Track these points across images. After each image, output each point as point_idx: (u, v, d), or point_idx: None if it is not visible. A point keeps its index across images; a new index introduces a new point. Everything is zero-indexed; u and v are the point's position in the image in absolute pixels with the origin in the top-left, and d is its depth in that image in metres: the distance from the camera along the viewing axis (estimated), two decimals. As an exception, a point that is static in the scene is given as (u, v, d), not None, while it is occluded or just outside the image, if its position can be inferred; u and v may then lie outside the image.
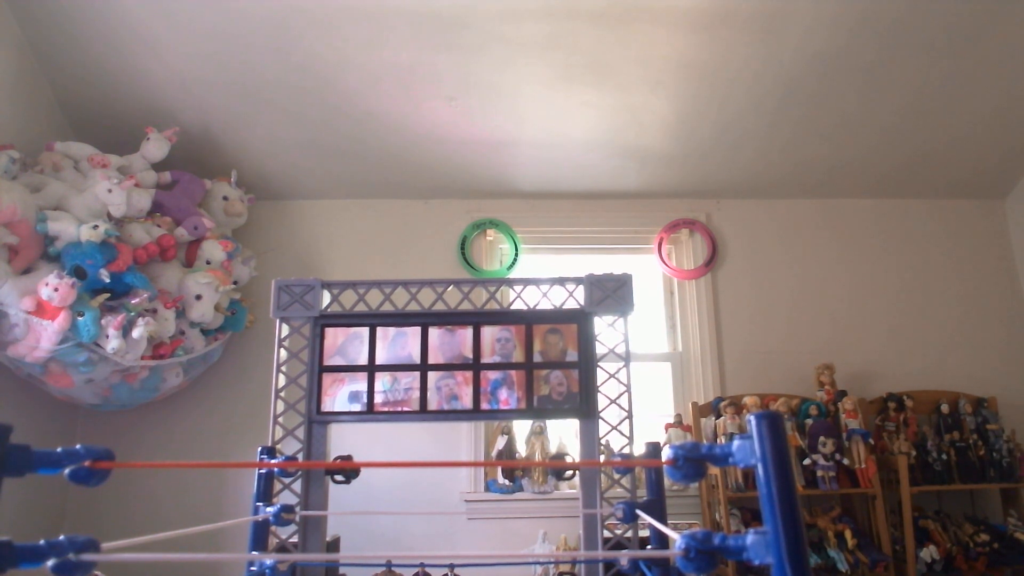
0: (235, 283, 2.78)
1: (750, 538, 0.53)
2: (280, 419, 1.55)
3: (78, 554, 0.50)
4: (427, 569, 1.71)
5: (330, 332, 1.61)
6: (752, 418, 0.55)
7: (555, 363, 1.58)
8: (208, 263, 2.63)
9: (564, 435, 2.88)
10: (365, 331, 1.61)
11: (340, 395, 1.58)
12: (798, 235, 3.27)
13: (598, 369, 1.57)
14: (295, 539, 1.52)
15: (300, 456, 1.53)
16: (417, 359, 1.59)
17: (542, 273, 3.11)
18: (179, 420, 2.91)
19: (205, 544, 2.68)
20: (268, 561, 1.27)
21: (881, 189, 3.28)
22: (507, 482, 2.86)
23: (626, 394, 1.54)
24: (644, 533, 1.46)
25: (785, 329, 3.13)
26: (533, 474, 2.82)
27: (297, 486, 1.52)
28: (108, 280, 2.19)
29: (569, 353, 1.58)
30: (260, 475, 1.42)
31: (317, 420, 1.56)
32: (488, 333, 1.61)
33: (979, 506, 2.90)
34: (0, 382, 2.40)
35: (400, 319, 1.61)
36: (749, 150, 3.01)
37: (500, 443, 2.86)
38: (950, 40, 2.49)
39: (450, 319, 1.61)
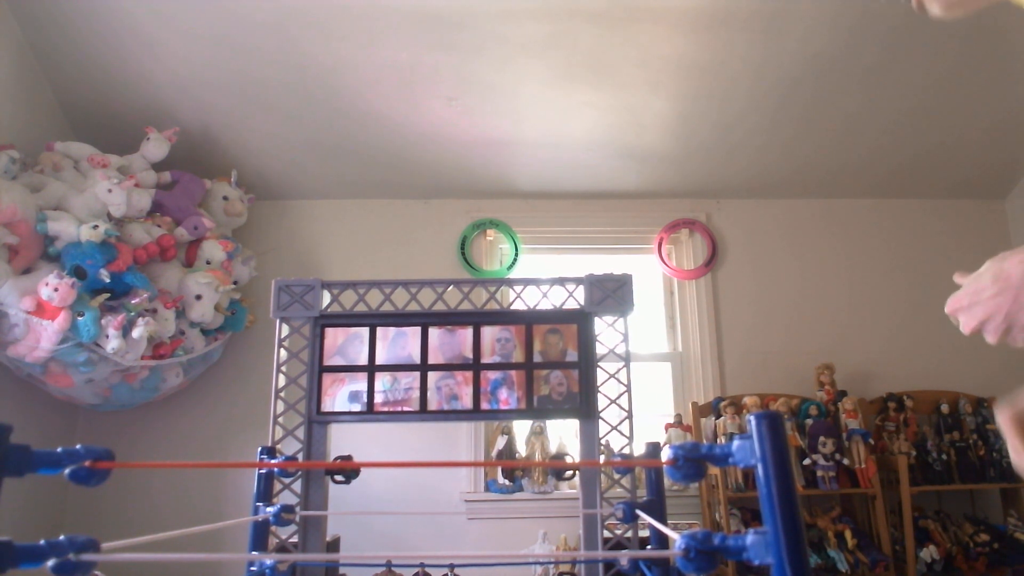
0: (235, 283, 2.78)
1: (750, 538, 0.53)
2: (280, 419, 1.55)
3: (78, 554, 0.50)
4: (427, 569, 1.71)
5: (330, 332, 1.61)
6: (752, 418, 0.55)
7: (555, 363, 1.58)
8: (208, 263, 2.63)
9: (564, 435, 2.88)
10: (365, 331, 1.61)
11: (340, 395, 1.58)
12: (798, 235, 3.27)
13: (598, 369, 1.57)
14: (295, 539, 1.52)
15: (300, 456, 1.53)
16: (417, 359, 1.59)
17: (542, 273, 3.11)
18: (179, 420, 2.91)
19: (205, 544, 2.68)
20: (268, 561, 1.27)
21: (881, 189, 3.28)
22: (507, 482, 2.86)
23: (626, 394, 1.54)
24: (644, 533, 1.46)
25: (785, 329, 3.13)
26: (533, 474, 2.82)
27: (297, 486, 1.52)
28: (108, 280, 2.19)
29: (569, 353, 1.58)
30: (260, 475, 1.42)
31: (317, 420, 1.56)
32: (488, 333, 1.61)
33: (979, 506, 2.90)
34: (0, 382, 2.40)
35: (400, 319, 1.61)
36: (749, 150, 3.01)
37: (500, 443, 2.86)
38: (950, 40, 2.49)
39: (450, 319, 1.61)
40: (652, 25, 2.39)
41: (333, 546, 1.92)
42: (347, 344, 1.61)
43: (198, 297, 2.50)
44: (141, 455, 2.84)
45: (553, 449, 2.84)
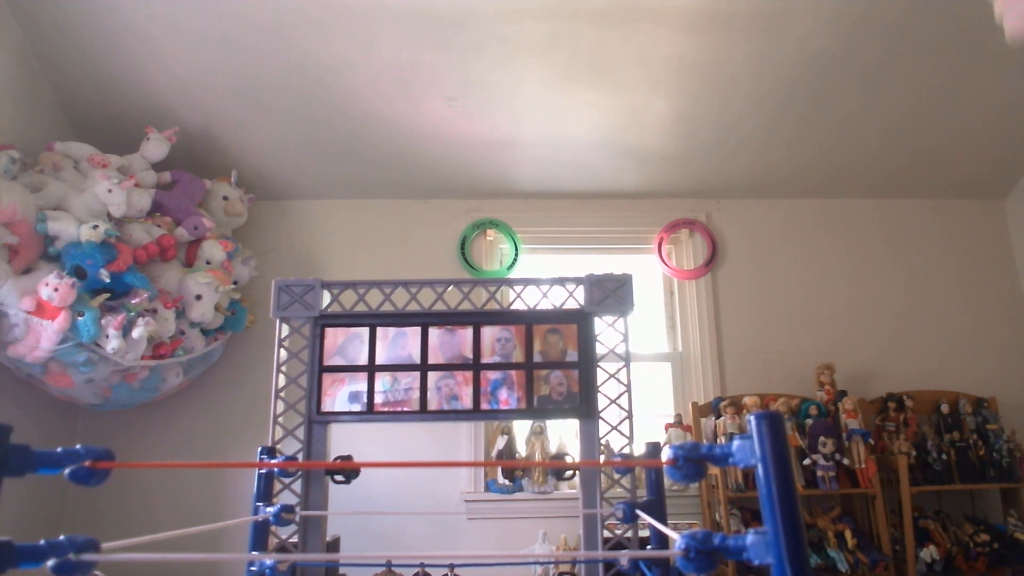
0: (235, 283, 2.78)
1: (750, 538, 0.53)
2: (280, 419, 1.55)
3: (78, 554, 0.50)
4: (427, 569, 1.71)
5: (330, 332, 1.61)
6: (752, 418, 0.55)
7: (555, 363, 1.58)
8: (208, 263, 2.63)
9: (564, 435, 2.88)
10: (365, 331, 1.61)
11: (340, 395, 1.58)
12: (798, 235, 3.27)
13: (598, 369, 1.57)
14: (295, 539, 1.52)
15: (300, 456, 1.53)
16: (417, 359, 1.59)
17: (542, 273, 3.11)
18: (179, 420, 2.91)
19: (205, 544, 2.68)
20: (268, 561, 1.27)
21: (881, 189, 3.28)
22: (507, 482, 2.86)
23: (626, 394, 1.54)
24: (644, 533, 1.46)
25: (785, 329, 3.13)
26: (533, 474, 2.82)
27: (297, 486, 1.52)
28: (108, 280, 2.19)
29: (569, 353, 1.58)
30: (260, 475, 1.42)
31: (317, 420, 1.56)
32: (488, 333, 1.61)
33: (979, 506, 2.90)
34: (0, 382, 2.40)
35: (400, 319, 1.62)
36: (749, 150, 3.01)
37: (500, 443, 2.86)
38: (950, 40, 2.49)
39: (450, 319, 1.61)
40: (652, 25, 2.39)
41: (333, 546, 1.91)
42: (347, 344, 1.61)
43: (198, 297, 2.50)
44: (141, 455, 2.84)
45: (553, 449, 2.83)
